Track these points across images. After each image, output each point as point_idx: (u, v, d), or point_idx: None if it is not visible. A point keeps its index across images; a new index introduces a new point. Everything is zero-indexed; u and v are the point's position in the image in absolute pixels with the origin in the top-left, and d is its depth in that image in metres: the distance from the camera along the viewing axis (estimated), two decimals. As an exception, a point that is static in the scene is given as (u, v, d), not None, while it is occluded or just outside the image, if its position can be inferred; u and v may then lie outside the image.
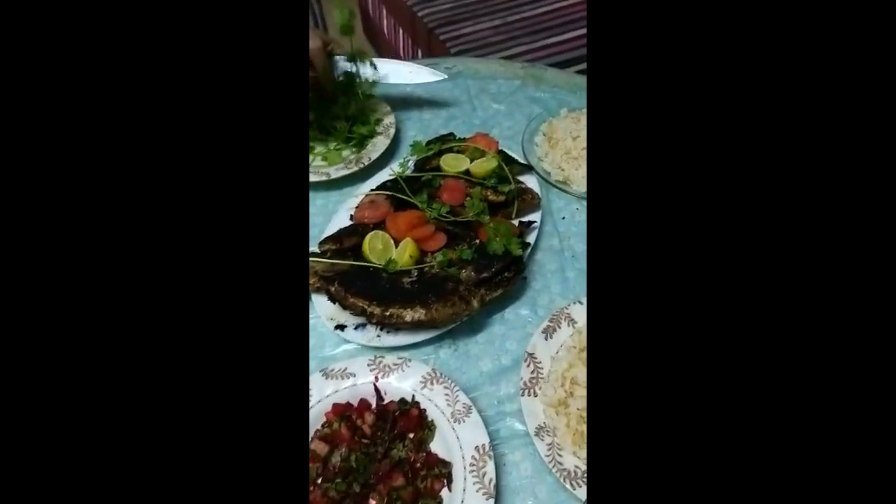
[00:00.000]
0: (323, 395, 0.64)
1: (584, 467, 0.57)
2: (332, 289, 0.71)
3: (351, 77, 0.95)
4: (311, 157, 0.92)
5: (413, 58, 2.01)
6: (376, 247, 0.75)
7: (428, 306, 0.66)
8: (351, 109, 0.93)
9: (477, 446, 0.59)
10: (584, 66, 1.59)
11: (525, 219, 0.79)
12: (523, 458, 0.61)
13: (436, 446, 0.61)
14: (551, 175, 0.87)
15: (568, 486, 0.57)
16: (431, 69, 1.09)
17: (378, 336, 0.70)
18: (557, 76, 1.10)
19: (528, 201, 0.81)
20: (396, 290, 0.69)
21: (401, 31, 2.14)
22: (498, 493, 0.57)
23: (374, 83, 0.95)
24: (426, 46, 1.90)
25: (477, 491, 0.56)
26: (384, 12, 2.20)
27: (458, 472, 0.58)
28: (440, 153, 0.87)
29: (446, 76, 1.03)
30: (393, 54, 2.17)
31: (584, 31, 1.77)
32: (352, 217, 0.82)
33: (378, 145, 0.92)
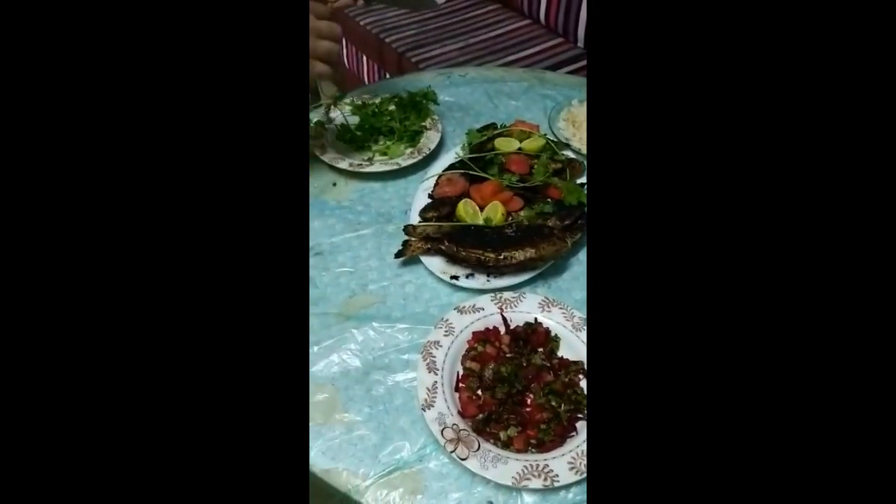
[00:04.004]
0: (463, 326, 0.77)
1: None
2: (444, 246, 0.84)
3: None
4: (370, 154, 1.05)
5: (381, 80, 2.17)
6: (469, 211, 0.89)
7: (535, 246, 0.81)
8: (406, 113, 1.08)
9: (601, 344, 0.75)
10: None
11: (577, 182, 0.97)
12: (630, 354, 0.77)
13: (564, 353, 0.76)
14: (582, 150, 1.07)
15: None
16: (447, 77, 1.27)
17: (488, 280, 0.84)
18: (556, 77, 1.31)
19: (577, 168, 0.99)
20: (503, 238, 0.83)
21: (364, 58, 2.29)
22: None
23: (432, 91, 1.11)
24: (396, 68, 2.07)
25: (612, 374, 0.72)
26: (345, 42, 2.35)
27: (591, 366, 0.73)
28: (491, 138, 1.03)
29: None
30: (358, 81, 2.32)
31: (535, 49, 2.03)
32: (430, 195, 0.96)
33: (432, 137, 1.07)
